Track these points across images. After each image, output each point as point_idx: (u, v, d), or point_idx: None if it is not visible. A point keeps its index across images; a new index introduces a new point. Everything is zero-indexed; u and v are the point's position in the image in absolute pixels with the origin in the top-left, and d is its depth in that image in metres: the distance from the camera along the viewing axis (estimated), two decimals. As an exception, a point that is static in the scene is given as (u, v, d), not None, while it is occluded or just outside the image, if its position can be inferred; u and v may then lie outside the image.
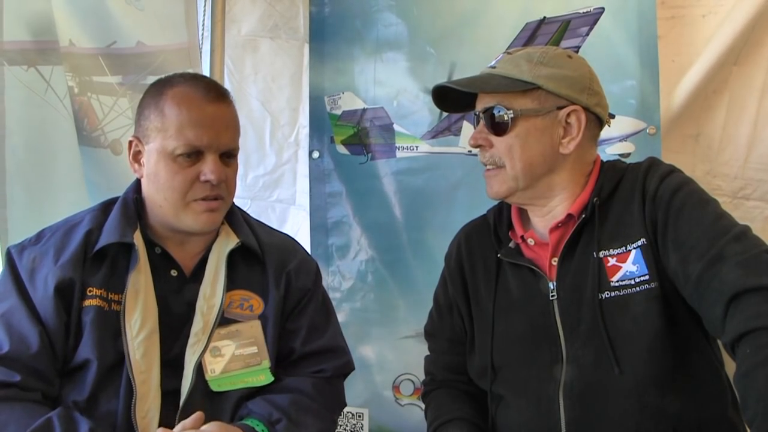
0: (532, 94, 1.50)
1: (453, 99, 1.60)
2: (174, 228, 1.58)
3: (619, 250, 1.46)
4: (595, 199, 1.50)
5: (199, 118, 1.51)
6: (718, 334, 1.34)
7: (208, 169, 1.51)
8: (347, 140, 2.64)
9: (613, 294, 1.44)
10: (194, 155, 1.51)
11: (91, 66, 2.23)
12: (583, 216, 1.50)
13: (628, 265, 1.45)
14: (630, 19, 2.33)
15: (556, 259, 1.52)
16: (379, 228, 2.63)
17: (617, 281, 1.45)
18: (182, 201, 1.53)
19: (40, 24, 1.98)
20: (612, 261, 1.46)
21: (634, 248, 1.45)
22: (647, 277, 1.43)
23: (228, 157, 1.57)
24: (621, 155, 2.33)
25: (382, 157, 2.61)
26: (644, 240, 1.44)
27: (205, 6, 2.71)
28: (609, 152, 2.32)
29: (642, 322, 1.42)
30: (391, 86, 2.61)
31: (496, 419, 1.59)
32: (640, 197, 1.46)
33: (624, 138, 2.32)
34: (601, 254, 1.47)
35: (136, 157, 1.58)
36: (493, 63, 1.58)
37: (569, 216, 1.51)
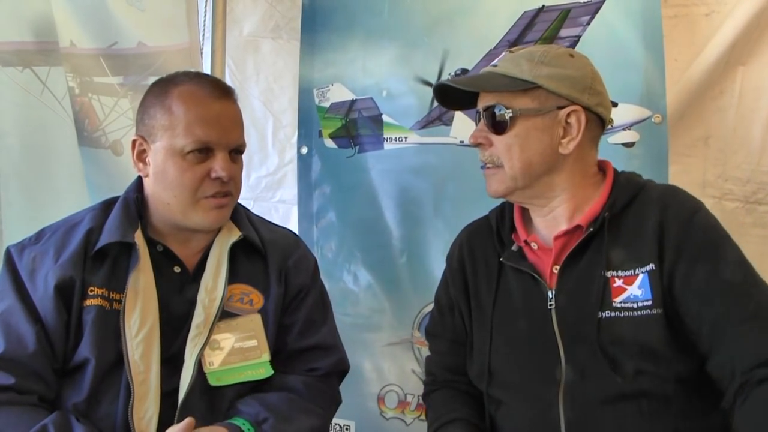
0: (533, 94, 1.49)
1: (455, 97, 1.59)
2: (180, 226, 1.58)
3: (628, 272, 1.45)
4: (606, 213, 1.48)
5: (207, 115, 1.52)
6: (724, 384, 1.37)
7: (219, 165, 1.52)
8: (335, 133, 2.55)
9: (613, 314, 1.43)
10: (204, 152, 1.52)
11: (91, 66, 2.23)
12: (591, 229, 1.48)
13: (633, 288, 1.44)
14: (634, 5, 2.26)
15: (558, 267, 1.50)
16: (366, 225, 2.52)
17: (620, 302, 1.44)
18: (192, 198, 1.53)
19: (41, 25, 1.98)
20: (618, 282, 1.45)
21: (643, 272, 1.44)
22: (650, 302, 1.42)
23: (236, 153, 1.58)
24: (625, 144, 2.27)
25: (370, 150, 2.50)
26: (653, 265, 1.43)
27: (206, 6, 2.72)
28: (612, 142, 2.24)
29: (642, 338, 1.41)
30: (381, 75, 2.50)
31: (495, 421, 1.58)
32: (657, 222, 1.44)
33: (628, 126, 2.24)
34: (609, 274, 1.46)
35: (141, 156, 1.58)
36: (495, 62, 1.58)
37: (577, 226, 1.50)
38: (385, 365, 2.48)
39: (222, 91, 1.57)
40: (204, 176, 1.53)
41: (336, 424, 2.51)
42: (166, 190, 1.55)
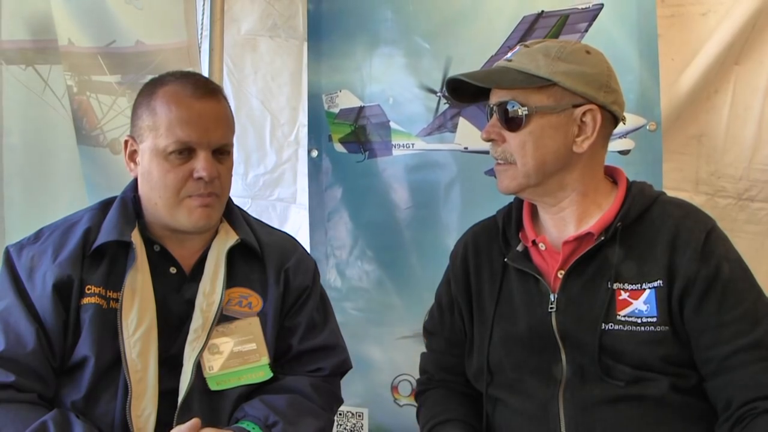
0: (548, 91, 1.47)
1: (466, 89, 1.55)
2: (170, 226, 1.59)
3: (634, 286, 1.44)
4: (619, 223, 1.47)
5: (188, 115, 1.52)
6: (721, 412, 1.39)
7: (200, 166, 1.52)
8: (345, 138, 2.63)
9: (617, 327, 1.43)
10: (186, 153, 1.52)
11: (90, 65, 2.23)
12: (603, 238, 1.47)
13: (639, 303, 1.43)
14: (630, 13, 2.30)
15: (563, 272, 1.50)
16: (377, 227, 2.62)
17: (624, 316, 1.44)
18: (175, 198, 1.54)
19: (39, 23, 1.99)
20: (624, 295, 1.45)
21: (650, 288, 1.44)
22: (654, 320, 1.42)
23: (221, 153, 1.57)
24: (621, 152, 2.30)
25: (379, 155, 2.60)
26: (661, 282, 1.43)
27: (204, 5, 2.71)
28: (608, 149, 2.30)
29: (642, 353, 1.42)
30: (387, 83, 2.58)
31: (493, 421, 1.59)
32: (670, 240, 1.44)
33: (624, 134, 2.29)
34: (615, 286, 1.45)
35: (132, 156, 1.59)
36: (509, 55, 1.54)
37: (588, 233, 1.49)
38: (398, 356, 2.57)
39: (205, 91, 1.56)
40: (187, 177, 1.53)
41: (348, 411, 2.60)
42: (153, 191, 1.55)
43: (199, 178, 1.52)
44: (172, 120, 1.51)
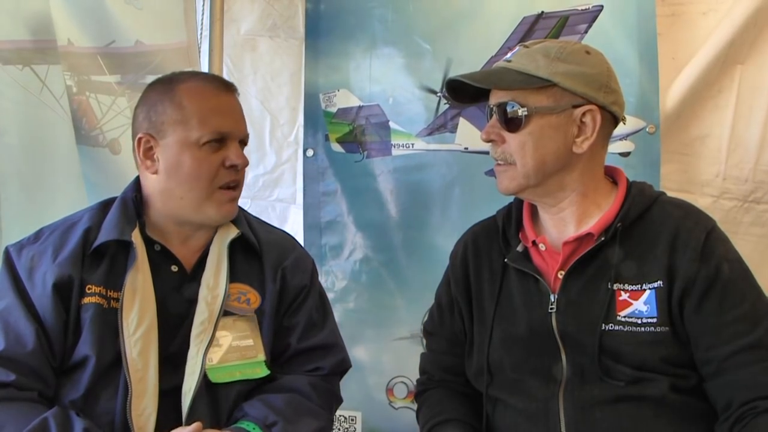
0: (548, 91, 1.47)
1: (466, 90, 1.56)
2: (187, 221, 1.60)
3: (634, 287, 1.45)
4: (619, 224, 1.47)
5: (219, 107, 1.57)
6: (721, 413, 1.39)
7: (234, 154, 1.56)
8: (342, 138, 2.63)
9: (617, 327, 1.43)
10: (218, 142, 1.56)
11: (89, 65, 2.24)
12: (603, 238, 1.47)
13: (639, 304, 1.43)
14: (629, 16, 2.32)
15: (563, 272, 1.50)
16: (374, 227, 2.61)
17: (624, 316, 1.44)
18: (208, 189, 1.56)
19: (38, 23, 1.99)
20: (624, 296, 1.45)
21: (650, 288, 1.44)
22: (655, 320, 1.42)
23: (243, 145, 1.63)
24: (621, 154, 2.32)
25: (378, 155, 2.59)
26: (661, 283, 1.43)
27: (203, 5, 2.71)
28: (608, 151, 2.31)
29: (643, 354, 1.42)
30: (387, 83, 2.58)
31: (493, 421, 1.58)
32: (670, 241, 1.44)
33: (623, 137, 2.31)
34: (615, 287, 1.45)
35: (148, 153, 1.58)
36: (509, 56, 1.54)
37: (588, 234, 1.49)
38: (394, 358, 2.57)
39: (227, 86, 1.63)
40: (219, 166, 1.56)
41: (341, 415, 2.57)
42: (181, 184, 1.56)
43: (232, 166, 1.56)
44: (204, 111, 1.55)
